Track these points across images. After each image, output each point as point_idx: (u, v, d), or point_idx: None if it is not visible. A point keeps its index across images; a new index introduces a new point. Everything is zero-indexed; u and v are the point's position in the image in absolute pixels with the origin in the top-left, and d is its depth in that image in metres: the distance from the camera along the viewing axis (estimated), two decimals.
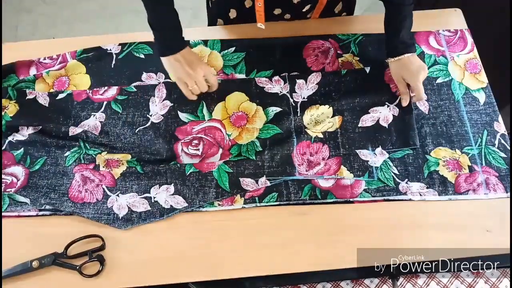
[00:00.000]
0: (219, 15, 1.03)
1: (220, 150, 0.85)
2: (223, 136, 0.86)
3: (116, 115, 0.89)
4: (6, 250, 0.75)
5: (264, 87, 0.91)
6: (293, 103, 0.89)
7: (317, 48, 0.96)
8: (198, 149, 0.85)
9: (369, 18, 1.03)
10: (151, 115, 0.89)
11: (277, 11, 0.97)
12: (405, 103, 0.87)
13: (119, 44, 0.97)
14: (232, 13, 1.00)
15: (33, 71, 0.94)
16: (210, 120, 0.88)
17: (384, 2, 0.86)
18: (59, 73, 0.93)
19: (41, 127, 0.86)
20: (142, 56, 0.96)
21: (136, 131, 0.87)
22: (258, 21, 0.95)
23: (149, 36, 0.99)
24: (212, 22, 1.06)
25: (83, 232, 0.76)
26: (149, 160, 0.84)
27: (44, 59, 0.96)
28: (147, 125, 0.87)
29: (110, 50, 0.96)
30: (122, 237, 0.77)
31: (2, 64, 0.93)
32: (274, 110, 0.88)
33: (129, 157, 0.84)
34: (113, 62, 0.95)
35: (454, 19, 1.01)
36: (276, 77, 0.92)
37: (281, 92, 0.91)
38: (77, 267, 0.73)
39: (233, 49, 0.96)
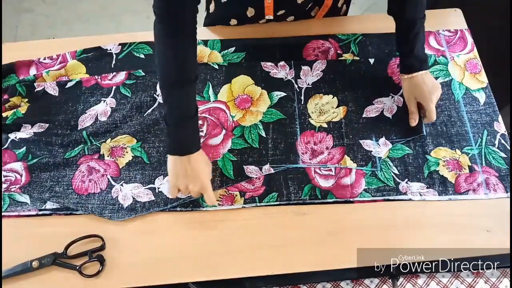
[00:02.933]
0: (219, 22, 1.02)
1: (224, 131, 0.85)
2: (227, 118, 0.87)
3: (125, 99, 0.90)
4: (6, 250, 0.75)
5: (270, 72, 0.92)
6: (297, 88, 0.90)
7: (317, 48, 0.96)
8: (202, 130, 0.85)
9: (369, 18, 1.03)
10: (158, 95, 0.90)
11: (281, 12, 0.97)
12: (414, 123, 0.84)
13: (119, 44, 0.97)
14: (233, 22, 1.00)
15: (33, 71, 0.94)
16: (215, 102, 0.89)
17: (396, 18, 0.84)
18: (59, 73, 0.94)
19: (48, 125, 0.87)
20: (142, 56, 0.96)
21: (144, 115, 0.88)
22: (267, 14, 0.94)
23: (149, 36, 0.99)
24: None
25: (83, 232, 0.76)
26: (153, 144, 0.84)
27: (44, 59, 0.96)
28: (154, 105, 0.89)
29: (110, 50, 0.97)
30: (122, 237, 0.77)
31: (2, 64, 0.93)
32: (278, 94, 0.89)
33: (134, 141, 0.85)
34: (113, 62, 0.95)
35: (454, 19, 1.01)
36: (282, 63, 0.93)
37: (286, 77, 0.92)
38: (77, 267, 0.73)
39: (233, 49, 0.96)
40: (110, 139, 0.85)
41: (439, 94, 0.83)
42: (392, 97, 0.89)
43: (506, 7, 1.20)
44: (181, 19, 0.69)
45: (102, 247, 0.75)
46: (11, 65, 0.94)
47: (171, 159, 0.74)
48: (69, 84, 0.92)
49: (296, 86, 0.91)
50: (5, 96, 0.90)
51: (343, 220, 0.78)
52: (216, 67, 0.93)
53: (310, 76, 0.92)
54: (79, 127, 0.87)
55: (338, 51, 0.96)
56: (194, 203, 0.79)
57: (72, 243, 0.75)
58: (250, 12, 0.96)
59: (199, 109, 0.87)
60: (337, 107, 0.88)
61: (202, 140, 0.84)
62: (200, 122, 0.86)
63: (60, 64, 0.95)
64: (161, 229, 0.78)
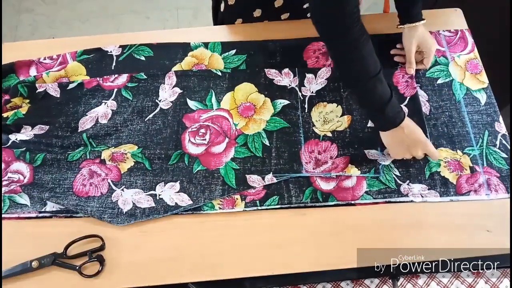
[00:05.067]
0: (239, 15, 1.01)
1: (227, 140, 0.85)
2: (230, 126, 0.86)
3: (126, 102, 0.90)
4: (6, 250, 0.74)
5: (273, 79, 0.92)
6: (301, 96, 0.90)
7: (318, 49, 0.96)
8: (205, 139, 0.85)
9: (369, 18, 1.03)
10: (160, 101, 0.89)
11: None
12: (412, 71, 0.90)
13: (120, 46, 0.97)
14: (238, 21, 1.00)
15: (33, 71, 0.94)
16: (218, 110, 0.89)
17: None
18: (59, 74, 0.93)
19: (48, 126, 0.87)
20: (143, 58, 0.96)
21: (145, 120, 0.87)
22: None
23: (148, 36, 0.99)
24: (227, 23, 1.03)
25: (83, 232, 0.76)
26: (154, 150, 0.84)
27: (44, 59, 0.96)
28: (156, 111, 0.88)
29: (111, 52, 0.96)
30: (122, 237, 0.77)
31: (2, 64, 0.93)
32: (282, 102, 0.89)
33: (134, 148, 0.84)
34: (114, 64, 0.95)
35: (454, 19, 1.01)
36: (286, 70, 0.93)
37: (290, 85, 0.91)
38: (77, 267, 0.73)
39: (234, 51, 0.96)
40: (113, 147, 0.85)
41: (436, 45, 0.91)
42: None
43: (506, 7, 1.20)
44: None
45: (102, 247, 0.75)
46: (11, 65, 0.94)
47: (387, 135, 0.78)
48: (71, 86, 0.92)
49: (300, 94, 0.90)
50: (7, 97, 0.89)
51: (343, 220, 0.78)
52: (219, 74, 0.93)
53: (314, 84, 0.91)
54: (79, 129, 0.87)
55: None
56: (194, 208, 0.79)
57: (72, 243, 0.75)
58: (278, 2, 0.95)
59: (201, 118, 0.87)
60: (341, 116, 0.88)
61: (204, 148, 0.84)
62: (202, 130, 0.86)
63: (60, 65, 0.95)
64: (161, 229, 0.78)
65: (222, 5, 1.01)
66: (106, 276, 0.73)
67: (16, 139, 0.85)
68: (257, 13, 0.99)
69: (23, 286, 0.73)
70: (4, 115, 0.88)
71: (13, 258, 0.73)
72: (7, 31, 2.06)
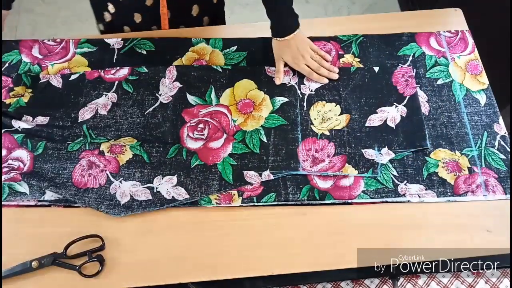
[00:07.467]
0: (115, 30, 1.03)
1: (225, 135, 0.85)
2: (228, 122, 0.87)
3: (127, 95, 0.90)
4: (6, 250, 0.74)
5: (273, 77, 0.92)
6: (300, 94, 0.90)
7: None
8: (203, 134, 0.85)
9: (369, 18, 1.03)
10: (160, 95, 0.90)
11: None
12: (278, 82, 0.91)
13: (122, 39, 0.98)
14: (126, 29, 1.03)
15: (35, 50, 0.97)
16: (217, 105, 0.89)
17: None
18: (62, 66, 0.95)
19: (49, 117, 0.88)
20: (144, 52, 0.96)
21: (145, 113, 0.88)
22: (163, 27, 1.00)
23: (148, 36, 0.99)
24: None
25: (82, 232, 0.76)
26: (153, 144, 0.84)
27: (48, 40, 0.99)
28: (156, 105, 0.89)
29: (113, 45, 0.97)
30: (122, 237, 0.77)
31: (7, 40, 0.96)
32: (280, 100, 0.89)
33: (134, 141, 0.85)
34: (115, 57, 0.96)
35: (455, 19, 1.01)
36: (286, 68, 0.93)
37: (289, 83, 0.91)
38: (77, 267, 0.73)
39: (234, 48, 0.96)
40: (113, 139, 0.85)
41: (305, 55, 0.90)
42: (396, 106, 0.88)
43: (506, 7, 1.21)
44: None
45: (101, 247, 0.75)
46: (16, 41, 0.99)
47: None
48: (73, 77, 0.92)
49: (299, 92, 0.90)
50: (10, 84, 0.91)
51: (343, 220, 0.78)
52: (220, 70, 0.93)
53: (313, 82, 0.91)
54: (79, 119, 0.87)
55: (340, 52, 0.96)
56: (191, 203, 0.79)
57: (71, 243, 0.75)
58: (137, 18, 0.98)
59: (200, 113, 0.88)
60: (340, 114, 0.88)
61: (202, 142, 0.85)
62: (201, 125, 0.86)
63: (61, 49, 0.97)
64: (161, 229, 0.78)
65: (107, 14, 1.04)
66: (106, 276, 0.73)
67: (19, 127, 0.86)
68: (127, 29, 1.03)
69: (23, 286, 0.73)
70: (7, 101, 0.89)
71: (13, 258, 0.73)
72: (7, 31, 2.05)
